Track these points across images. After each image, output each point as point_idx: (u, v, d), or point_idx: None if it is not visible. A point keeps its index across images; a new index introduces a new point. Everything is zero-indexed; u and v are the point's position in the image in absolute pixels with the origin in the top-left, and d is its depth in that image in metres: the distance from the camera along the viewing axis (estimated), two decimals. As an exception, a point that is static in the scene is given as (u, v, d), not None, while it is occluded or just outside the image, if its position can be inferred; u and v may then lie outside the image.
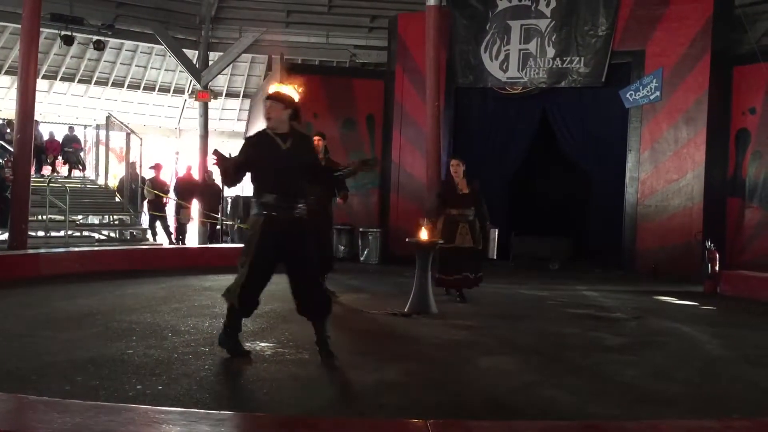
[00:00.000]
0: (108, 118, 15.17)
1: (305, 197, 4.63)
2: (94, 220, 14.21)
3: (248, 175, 4.71)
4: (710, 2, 11.29)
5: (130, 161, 14.51)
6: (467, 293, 7.79)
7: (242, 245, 4.89)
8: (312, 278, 4.65)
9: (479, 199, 7.72)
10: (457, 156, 8.01)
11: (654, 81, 11.56)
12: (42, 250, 9.78)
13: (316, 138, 7.95)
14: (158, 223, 14.28)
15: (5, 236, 10.28)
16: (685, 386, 4.45)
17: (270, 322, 6.10)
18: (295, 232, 4.54)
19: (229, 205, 15.73)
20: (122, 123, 15.15)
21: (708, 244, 9.73)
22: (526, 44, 12.39)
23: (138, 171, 14.63)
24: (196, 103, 17.04)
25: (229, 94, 19.22)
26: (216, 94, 17.60)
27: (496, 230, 8.20)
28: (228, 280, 9.08)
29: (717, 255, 9.56)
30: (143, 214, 14.62)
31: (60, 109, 18.31)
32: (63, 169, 16.57)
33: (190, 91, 18.28)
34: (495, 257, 8.34)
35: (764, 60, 10.95)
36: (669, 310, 7.96)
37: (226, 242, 14.69)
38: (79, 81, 17.84)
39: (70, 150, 16.42)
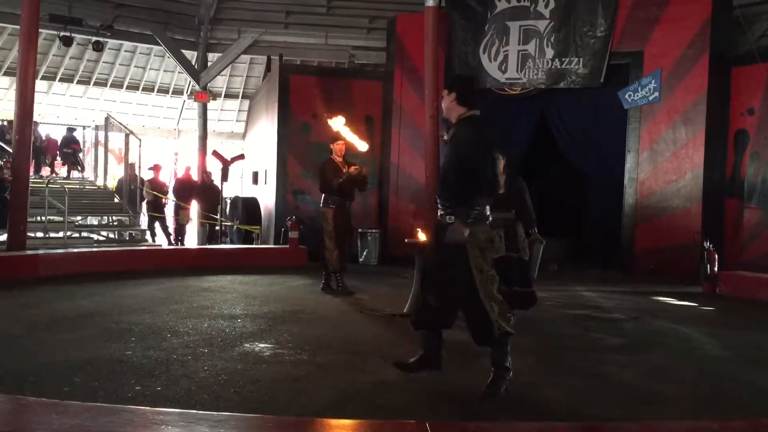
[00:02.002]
0: (107, 119, 15.17)
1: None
2: (93, 221, 14.20)
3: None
4: (709, 3, 11.30)
5: (129, 162, 14.50)
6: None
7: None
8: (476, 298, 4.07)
9: (521, 200, 6.40)
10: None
11: (653, 82, 11.57)
12: (41, 251, 9.77)
13: (340, 143, 8.08)
14: (157, 224, 14.29)
15: (4, 237, 10.27)
16: (683, 387, 4.45)
17: (269, 323, 6.11)
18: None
19: (228, 206, 15.74)
20: (121, 124, 15.14)
21: (706, 244, 9.74)
22: (524, 45, 12.39)
23: (137, 172, 14.63)
24: (195, 104, 17.04)
25: (227, 95, 19.22)
26: (215, 95, 17.62)
27: (542, 245, 6.42)
28: (227, 280, 9.13)
29: (715, 255, 9.57)
30: (142, 215, 14.62)
31: (59, 110, 18.31)
32: (62, 170, 16.57)
33: (188, 92, 18.30)
34: (536, 277, 6.49)
35: (763, 61, 10.96)
36: (667, 310, 7.96)
37: (225, 243, 14.70)
38: (78, 82, 17.84)
39: (68, 151, 16.41)
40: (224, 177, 14.74)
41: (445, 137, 4.14)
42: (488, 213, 4.07)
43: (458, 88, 4.17)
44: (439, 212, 4.15)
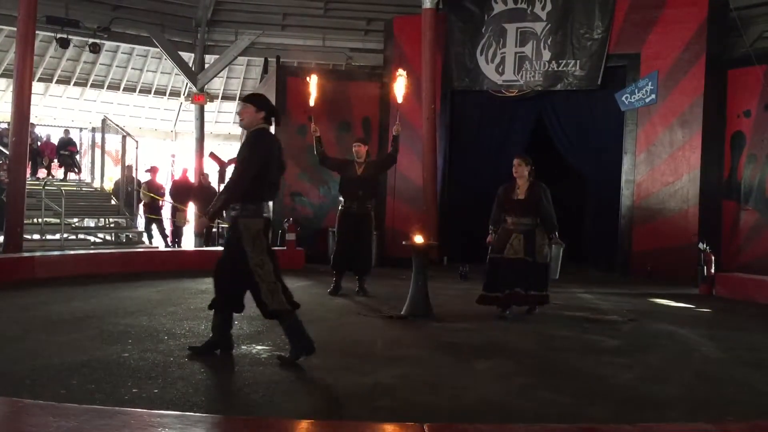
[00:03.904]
0: (104, 120, 15.16)
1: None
2: (89, 223, 14.18)
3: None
4: (705, 5, 11.33)
5: (126, 164, 14.49)
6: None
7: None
8: (251, 278, 4.79)
9: (540, 205, 6.71)
10: (521, 154, 7.02)
11: (649, 84, 11.60)
12: (37, 253, 9.74)
13: (358, 144, 8.26)
14: (154, 226, 14.26)
15: (1, 239, 10.26)
16: (680, 389, 4.46)
17: (266, 325, 6.09)
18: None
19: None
20: (118, 126, 15.13)
21: (703, 246, 9.75)
22: (521, 47, 12.41)
23: (134, 174, 14.61)
24: (192, 106, 17.02)
25: (225, 97, 19.21)
26: (212, 97, 17.58)
27: (561, 247, 6.97)
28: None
29: (712, 257, 9.58)
30: (139, 217, 14.60)
31: (56, 111, 18.29)
32: (58, 172, 16.54)
33: (186, 94, 18.27)
34: (557, 277, 6.91)
35: (759, 63, 10.99)
36: (664, 312, 7.97)
37: (222, 245, 14.66)
38: (75, 84, 17.82)
39: (65, 153, 16.39)
40: (221, 179, 14.72)
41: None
42: (265, 210, 4.73)
43: (267, 108, 4.80)
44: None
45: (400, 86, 8.05)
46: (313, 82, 8.37)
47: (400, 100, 8.14)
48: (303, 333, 4.69)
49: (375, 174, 8.25)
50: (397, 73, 8.24)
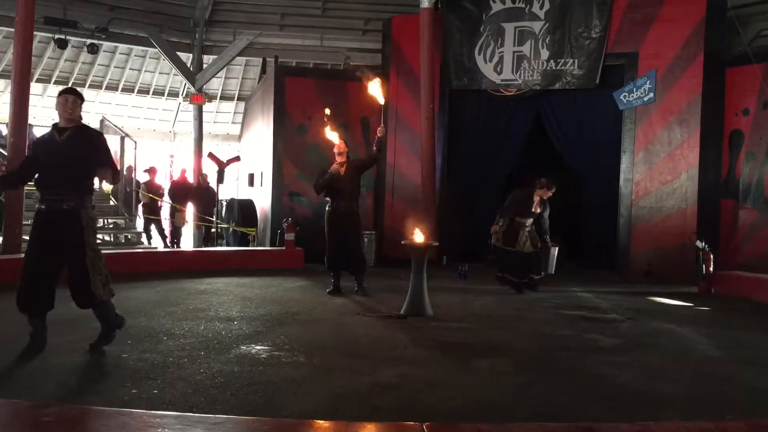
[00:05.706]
0: (102, 121, 15.14)
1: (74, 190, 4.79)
2: (88, 223, 14.12)
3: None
4: (703, 4, 11.35)
5: (125, 165, 14.47)
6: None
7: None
8: (82, 269, 4.73)
9: (542, 215, 9.07)
10: (552, 183, 9.05)
11: (647, 83, 11.60)
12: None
13: (337, 143, 8.30)
14: (153, 227, 14.25)
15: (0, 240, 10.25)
16: (679, 387, 4.46)
17: (265, 326, 6.10)
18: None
19: (224, 208, 15.72)
20: (116, 126, 15.11)
21: (702, 244, 9.76)
22: (520, 46, 12.41)
23: (132, 174, 14.59)
24: (191, 107, 17.02)
25: (223, 97, 19.20)
26: (210, 97, 17.60)
27: (556, 248, 9.31)
28: (224, 282, 9.13)
29: (711, 256, 9.59)
30: (138, 217, 14.59)
31: (54, 112, 18.20)
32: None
33: (184, 94, 18.27)
34: (553, 272, 9.39)
35: (757, 61, 11.00)
36: (663, 311, 7.98)
37: (221, 245, 14.68)
38: (73, 84, 17.78)
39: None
40: (220, 179, 14.72)
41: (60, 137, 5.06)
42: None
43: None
44: (53, 200, 4.79)
45: (376, 88, 8.05)
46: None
47: (382, 100, 8.19)
48: (114, 318, 5.00)
49: (357, 173, 8.30)
50: (372, 77, 8.31)
